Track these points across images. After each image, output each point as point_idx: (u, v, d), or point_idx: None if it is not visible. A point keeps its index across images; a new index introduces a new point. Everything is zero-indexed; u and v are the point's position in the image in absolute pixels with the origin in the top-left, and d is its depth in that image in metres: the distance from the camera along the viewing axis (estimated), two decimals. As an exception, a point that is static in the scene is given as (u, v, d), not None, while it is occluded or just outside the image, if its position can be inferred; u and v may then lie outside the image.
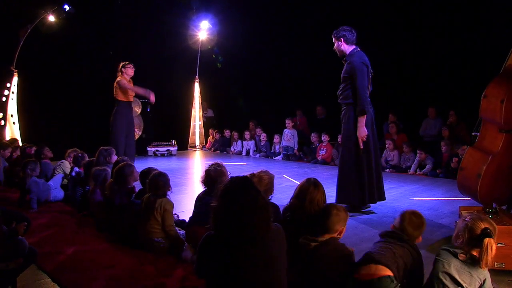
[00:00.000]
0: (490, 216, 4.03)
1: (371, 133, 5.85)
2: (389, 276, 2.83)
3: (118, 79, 8.58)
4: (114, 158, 6.40)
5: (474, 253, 2.77)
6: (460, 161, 5.12)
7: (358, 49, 5.92)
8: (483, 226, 2.73)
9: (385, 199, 6.07)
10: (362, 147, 5.75)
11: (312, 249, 3.16)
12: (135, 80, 8.92)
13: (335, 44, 6.01)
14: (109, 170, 5.66)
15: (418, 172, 9.58)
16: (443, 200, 6.85)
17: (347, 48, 5.91)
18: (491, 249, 2.64)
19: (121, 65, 8.70)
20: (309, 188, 3.62)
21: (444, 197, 7.11)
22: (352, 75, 5.77)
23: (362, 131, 5.72)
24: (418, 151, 9.77)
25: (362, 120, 5.72)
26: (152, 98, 8.86)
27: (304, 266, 3.18)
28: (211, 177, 4.47)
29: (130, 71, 8.68)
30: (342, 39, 5.89)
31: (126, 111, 8.76)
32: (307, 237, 3.26)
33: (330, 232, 3.23)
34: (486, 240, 2.66)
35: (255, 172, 4.34)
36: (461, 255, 2.76)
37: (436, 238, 4.70)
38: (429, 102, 10.83)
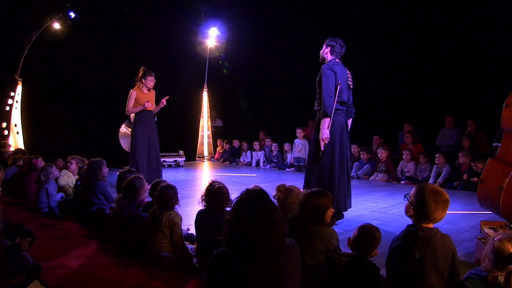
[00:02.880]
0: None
1: (338, 142, 6.04)
2: None
3: (131, 90, 8.52)
4: (105, 170, 6.42)
5: (501, 276, 2.64)
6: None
7: (337, 60, 6.17)
8: (511, 250, 2.61)
9: (344, 211, 6.15)
10: (322, 148, 5.94)
11: (342, 264, 3.21)
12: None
13: (322, 49, 6.30)
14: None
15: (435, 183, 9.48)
16: (462, 214, 6.75)
17: (328, 57, 6.21)
18: None
19: (141, 73, 8.58)
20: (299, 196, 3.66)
21: (464, 210, 7.02)
22: (320, 81, 6.02)
23: (324, 133, 5.91)
24: (436, 155, 9.69)
25: (323, 122, 5.92)
26: (161, 105, 8.66)
27: (332, 280, 3.22)
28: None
29: (150, 83, 8.60)
30: (330, 47, 6.20)
31: (146, 120, 8.65)
32: (336, 252, 3.35)
33: (364, 253, 3.28)
34: (511, 267, 2.52)
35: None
36: (490, 277, 2.65)
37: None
38: (446, 110, 10.76)
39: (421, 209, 3.02)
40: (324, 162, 6.01)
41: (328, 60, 6.17)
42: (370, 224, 3.42)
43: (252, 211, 2.50)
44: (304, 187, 6.06)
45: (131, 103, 8.48)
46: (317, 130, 6.06)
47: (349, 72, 6.24)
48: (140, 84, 8.57)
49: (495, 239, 2.71)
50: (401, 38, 11.02)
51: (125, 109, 8.58)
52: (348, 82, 6.18)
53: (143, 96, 8.56)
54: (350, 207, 6.31)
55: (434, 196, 3.00)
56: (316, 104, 6.16)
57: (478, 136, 9.93)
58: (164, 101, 8.66)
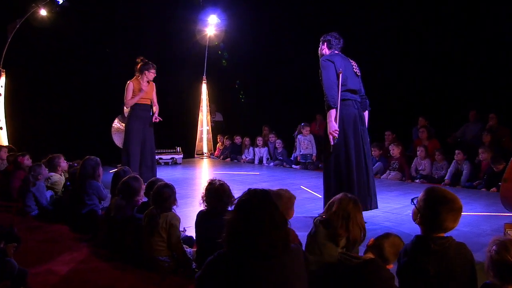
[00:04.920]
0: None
1: (352, 136, 5.95)
2: None
3: (128, 82, 8.48)
4: (101, 169, 6.40)
5: None
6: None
7: (336, 51, 6.16)
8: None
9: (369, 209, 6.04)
10: (332, 143, 5.84)
11: (353, 266, 3.09)
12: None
13: (319, 47, 6.33)
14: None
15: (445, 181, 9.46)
16: (484, 216, 6.68)
17: (326, 52, 6.21)
18: None
19: (141, 64, 8.55)
20: (349, 205, 3.56)
21: (485, 212, 6.94)
22: (321, 75, 5.99)
23: (331, 126, 5.83)
24: (456, 151, 9.59)
25: (329, 115, 5.86)
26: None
27: (340, 283, 3.15)
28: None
29: (151, 75, 8.58)
30: (326, 43, 6.23)
31: (142, 114, 8.62)
32: (348, 253, 3.23)
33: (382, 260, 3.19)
34: None
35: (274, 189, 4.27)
36: None
37: (476, 259, 4.53)
38: (464, 103, 10.69)
39: (429, 218, 2.89)
40: (340, 159, 5.93)
41: (327, 54, 6.16)
42: (400, 239, 3.28)
43: (254, 212, 2.56)
44: (324, 189, 6.07)
45: (129, 94, 8.42)
46: (326, 126, 6.00)
47: (353, 61, 6.20)
48: (139, 76, 8.51)
49: (491, 251, 2.65)
50: (415, 26, 10.98)
51: (124, 102, 8.55)
52: (354, 70, 6.13)
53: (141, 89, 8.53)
54: (376, 207, 6.18)
55: (444, 205, 2.86)
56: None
57: (501, 131, 9.86)
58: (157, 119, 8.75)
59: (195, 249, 4.61)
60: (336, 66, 5.87)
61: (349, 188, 5.77)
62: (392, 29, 11.30)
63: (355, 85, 6.10)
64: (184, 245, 4.58)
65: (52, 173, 7.37)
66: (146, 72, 8.47)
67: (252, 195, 2.65)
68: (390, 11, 11.19)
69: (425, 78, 11.15)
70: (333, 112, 5.83)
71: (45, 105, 12.46)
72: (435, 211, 2.86)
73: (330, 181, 5.99)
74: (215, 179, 4.41)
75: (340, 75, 5.84)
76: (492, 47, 10.01)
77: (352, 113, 6.00)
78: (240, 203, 2.65)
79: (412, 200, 3.07)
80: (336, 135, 5.82)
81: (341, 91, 5.87)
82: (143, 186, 5.23)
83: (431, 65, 11.09)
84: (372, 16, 11.43)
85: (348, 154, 5.91)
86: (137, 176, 5.32)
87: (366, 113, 6.35)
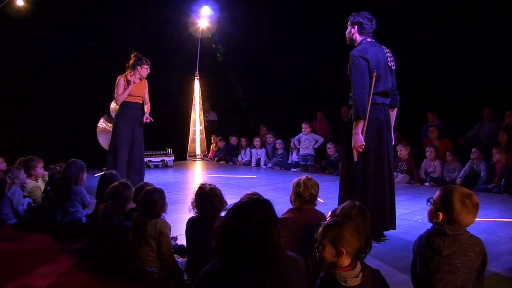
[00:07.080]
0: None
1: (373, 143, 5.55)
2: None
3: (119, 77, 8.36)
4: (85, 174, 6.37)
5: None
6: None
7: (369, 39, 5.75)
8: None
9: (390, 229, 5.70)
10: (356, 159, 5.48)
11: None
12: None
13: (348, 29, 5.89)
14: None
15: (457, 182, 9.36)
16: (501, 222, 6.62)
17: (358, 38, 5.78)
18: None
19: (134, 59, 8.40)
20: (353, 211, 3.48)
21: (502, 218, 6.88)
22: (351, 72, 5.61)
23: (357, 140, 5.42)
24: (473, 149, 9.52)
25: (355, 127, 5.45)
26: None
27: None
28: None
29: (145, 72, 8.47)
30: (357, 26, 5.75)
31: (131, 113, 8.47)
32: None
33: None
34: None
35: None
36: None
37: (494, 269, 4.48)
38: (479, 99, 10.63)
39: (447, 211, 3.06)
40: (357, 168, 5.52)
41: (358, 41, 5.74)
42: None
43: (243, 217, 2.62)
44: (339, 199, 5.72)
45: (119, 89, 8.26)
46: (349, 135, 5.57)
47: (388, 50, 5.76)
48: (131, 72, 8.40)
49: None
50: (424, 14, 10.94)
51: (113, 99, 8.46)
52: (389, 64, 5.68)
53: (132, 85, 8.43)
54: (395, 228, 5.70)
55: (462, 198, 3.04)
56: (350, 100, 5.69)
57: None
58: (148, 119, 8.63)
59: (186, 259, 4.55)
60: (371, 65, 5.44)
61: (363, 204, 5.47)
62: (397, 16, 11.24)
63: (387, 85, 5.67)
64: (175, 255, 4.53)
65: (27, 180, 7.27)
66: (139, 68, 8.35)
67: (244, 200, 2.77)
68: (394, 4, 11.12)
69: (435, 72, 11.10)
70: (360, 124, 5.42)
71: (22, 103, 12.35)
72: (451, 202, 3.04)
73: (345, 192, 5.63)
74: (206, 183, 4.39)
75: (374, 78, 5.42)
76: (505, 40, 9.98)
77: (377, 118, 5.56)
78: (230, 209, 2.71)
79: (428, 200, 3.23)
80: (361, 150, 5.43)
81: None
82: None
83: (441, 58, 11.05)
84: (376, 9, 11.38)
85: (366, 164, 5.52)
86: (128, 183, 5.27)
87: (394, 112, 5.95)
